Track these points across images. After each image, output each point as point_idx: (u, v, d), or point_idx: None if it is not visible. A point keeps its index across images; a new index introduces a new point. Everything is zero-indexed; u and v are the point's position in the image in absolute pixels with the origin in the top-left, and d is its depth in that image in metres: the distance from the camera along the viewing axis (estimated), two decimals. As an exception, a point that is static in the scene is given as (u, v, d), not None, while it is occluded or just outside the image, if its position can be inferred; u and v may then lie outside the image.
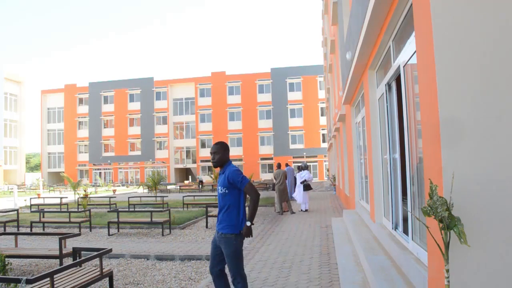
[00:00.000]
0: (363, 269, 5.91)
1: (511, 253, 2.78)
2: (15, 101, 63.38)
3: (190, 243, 9.98)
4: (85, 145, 68.45)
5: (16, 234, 8.74)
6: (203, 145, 63.61)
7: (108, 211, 14.75)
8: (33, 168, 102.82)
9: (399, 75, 5.04)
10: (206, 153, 62.53)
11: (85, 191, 20.79)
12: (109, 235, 11.94)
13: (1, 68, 59.06)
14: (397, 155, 5.66)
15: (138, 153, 66.05)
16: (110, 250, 6.15)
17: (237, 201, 4.51)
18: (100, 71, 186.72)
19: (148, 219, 12.20)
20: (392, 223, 6.18)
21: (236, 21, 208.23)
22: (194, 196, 21.48)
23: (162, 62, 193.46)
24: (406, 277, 4.52)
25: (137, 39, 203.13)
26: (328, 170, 46.51)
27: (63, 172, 59.08)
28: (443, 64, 2.99)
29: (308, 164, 20.83)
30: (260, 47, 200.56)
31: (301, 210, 15.83)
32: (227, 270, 4.64)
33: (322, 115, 59.34)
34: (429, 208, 2.67)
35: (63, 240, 7.26)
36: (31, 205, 19.56)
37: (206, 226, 12.75)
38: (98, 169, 67.36)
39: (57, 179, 66.73)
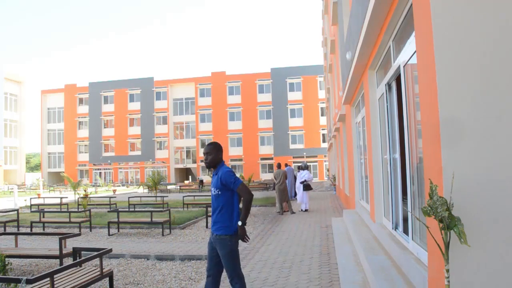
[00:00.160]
0: (363, 269, 5.91)
1: (511, 253, 2.78)
2: (15, 101, 63.39)
3: (190, 243, 9.98)
4: (85, 145, 68.47)
5: (16, 234, 8.74)
6: (203, 145, 63.54)
7: (108, 211, 14.75)
8: (33, 168, 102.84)
9: (399, 75, 5.04)
10: (206, 153, 62.39)
11: (85, 191, 20.78)
12: (109, 235, 11.94)
13: (1, 68, 59.08)
14: (397, 155, 5.66)
15: (138, 153, 66.06)
16: (110, 250, 6.15)
17: (231, 202, 4.48)
18: (100, 71, 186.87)
19: (148, 219, 12.20)
20: (392, 223, 6.18)
21: (236, 21, 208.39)
22: (194, 196, 21.47)
23: (162, 62, 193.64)
24: (406, 277, 4.52)
25: (137, 39, 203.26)
26: (328, 170, 46.53)
27: (63, 172, 59.05)
28: (443, 64, 2.99)
29: (308, 164, 20.80)
30: (260, 47, 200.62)
31: (301, 210, 15.83)
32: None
33: (322, 115, 59.34)
34: (429, 208, 2.67)
35: (63, 240, 7.26)
36: (31, 205, 19.57)
37: (206, 226, 12.76)
38: (98, 169, 67.37)
39: (57, 179, 66.74)
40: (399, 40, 5.17)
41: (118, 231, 12.51)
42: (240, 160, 61.94)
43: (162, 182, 31.47)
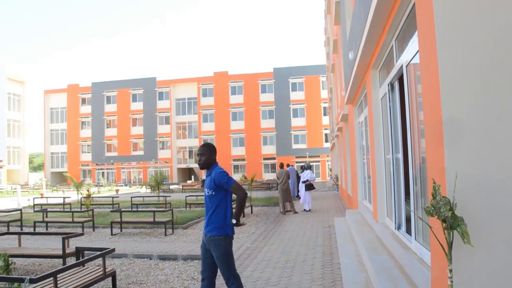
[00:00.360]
0: (366, 269, 5.91)
1: (515, 253, 2.78)
2: (18, 101, 63.49)
3: (192, 243, 9.99)
4: (88, 145, 68.60)
5: (19, 233, 8.77)
6: (205, 145, 63.54)
7: (111, 211, 14.76)
8: (36, 168, 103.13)
9: (402, 75, 5.04)
10: (208, 153, 62.42)
11: (88, 191, 20.79)
12: (112, 235, 11.96)
13: (4, 68, 59.20)
14: (400, 155, 5.65)
15: (141, 153, 66.14)
16: (113, 250, 6.16)
17: (224, 202, 4.49)
18: (103, 71, 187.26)
19: (151, 219, 12.22)
20: (395, 223, 6.17)
21: (238, 21, 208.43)
22: (196, 196, 21.46)
23: (165, 62, 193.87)
24: (409, 277, 4.52)
25: (140, 39, 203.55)
26: (330, 170, 46.52)
27: (66, 172, 59.25)
28: (446, 63, 2.98)
29: (311, 164, 20.79)
30: (262, 47, 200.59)
31: (304, 210, 15.82)
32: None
33: (324, 114, 59.26)
34: (432, 208, 2.66)
35: (66, 240, 7.28)
36: (34, 204, 19.60)
37: (209, 226, 12.75)
38: (101, 169, 67.50)
39: (60, 179, 66.89)
40: (401, 39, 5.16)
41: (121, 231, 12.54)
42: (243, 160, 61.97)
43: (164, 182, 31.57)
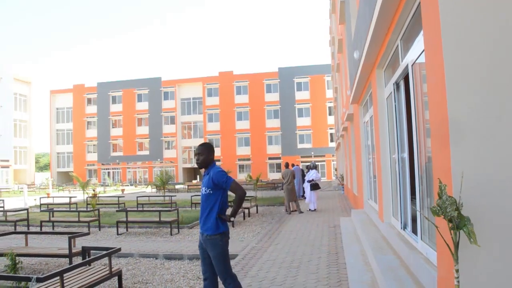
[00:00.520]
0: (372, 268, 5.90)
1: (521, 253, 2.76)
2: (25, 101, 63.79)
3: (198, 243, 9.99)
4: (94, 145, 68.86)
5: (26, 233, 8.84)
6: (211, 145, 63.60)
7: (116, 211, 14.83)
8: (43, 167, 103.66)
9: (407, 74, 5.02)
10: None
11: (94, 190, 20.89)
12: (118, 234, 12.02)
13: (10, 69, 59.55)
14: (406, 155, 5.64)
15: (146, 152, 66.31)
16: (119, 249, 6.19)
17: (221, 201, 4.54)
18: (109, 71, 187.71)
19: (157, 219, 12.26)
20: (401, 222, 6.16)
21: (243, 20, 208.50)
22: (202, 195, 21.46)
23: (170, 62, 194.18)
24: (415, 277, 4.51)
25: (145, 39, 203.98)
26: (336, 170, 46.41)
27: (72, 171, 59.47)
28: (452, 62, 2.97)
29: (316, 163, 20.77)
30: (267, 46, 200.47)
31: (309, 209, 15.80)
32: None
33: (330, 114, 59.13)
34: (438, 207, 2.66)
35: (72, 239, 7.32)
36: (40, 204, 19.71)
37: (214, 226, 12.76)
38: (106, 169, 67.72)
39: (66, 178, 67.17)
40: (407, 39, 5.15)
41: (127, 230, 12.59)
42: (248, 159, 61.98)
43: (170, 182, 31.61)
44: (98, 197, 20.15)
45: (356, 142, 13.85)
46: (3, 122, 56.33)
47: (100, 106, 68.03)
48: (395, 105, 6.24)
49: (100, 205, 19.36)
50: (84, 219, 13.21)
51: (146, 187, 43.96)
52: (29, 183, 55.64)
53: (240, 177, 56.79)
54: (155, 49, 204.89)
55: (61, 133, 71.51)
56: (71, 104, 69.97)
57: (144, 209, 15.64)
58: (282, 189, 16.60)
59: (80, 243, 9.04)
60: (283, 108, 61.42)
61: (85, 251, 6.85)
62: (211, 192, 4.51)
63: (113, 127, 68.07)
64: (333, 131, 54.26)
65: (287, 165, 16.54)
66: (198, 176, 65.96)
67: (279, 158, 60.28)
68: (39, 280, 4.43)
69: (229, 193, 4.66)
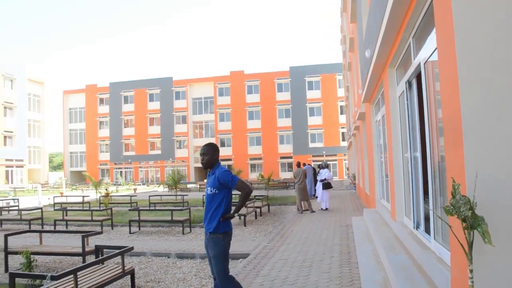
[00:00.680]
0: (384, 268, 5.87)
1: (537, 253, 2.73)
2: (38, 101, 64.51)
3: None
4: (106, 145, 69.39)
5: (40, 231, 8.95)
6: (222, 144, 63.80)
7: (129, 210, 14.93)
8: (56, 167, 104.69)
9: (420, 73, 4.98)
10: (225, 152, 62.73)
11: (106, 189, 21.06)
12: (130, 233, 12.10)
13: (24, 70, 60.26)
14: (418, 154, 5.60)
15: (158, 152, 66.66)
16: (132, 248, 6.23)
17: (226, 201, 4.58)
18: (120, 71, 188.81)
19: (169, 218, 12.33)
20: (414, 222, 6.12)
21: (254, 20, 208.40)
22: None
23: (181, 62, 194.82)
24: (428, 276, 4.48)
25: (156, 39, 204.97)
26: (348, 169, 46.22)
27: (85, 171, 60.05)
28: (465, 60, 2.94)
29: (328, 162, 20.73)
30: (278, 46, 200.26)
31: (321, 209, 15.76)
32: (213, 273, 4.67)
33: (341, 113, 58.90)
34: (451, 207, 2.63)
35: (85, 238, 7.40)
36: (54, 203, 19.93)
37: (226, 225, 12.76)
38: (119, 168, 68.21)
39: (79, 178, 67.79)
40: (419, 37, 5.11)
41: (139, 229, 12.67)
42: (260, 159, 61.99)
43: (182, 181, 31.70)
44: (111, 196, 20.29)
45: (368, 141, 13.79)
46: (17, 122, 57.11)
47: (112, 106, 68.55)
48: (408, 104, 6.20)
49: (113, 204, 19.52)
50: (97, 218, 13.33)
51: (158, 187, 44.26)
52: (43, 183, 56.28)
53: (252, 176, 56.85)
54: (166, 49, 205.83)
55: (74, 133, 72.20)
56: (83, 104, 70.60)
57: (156, 208, 15.72)
58: (294, 188, 16.56)
59: (93, 242, 9.13)
60: (294, 107, 61.32)
61: (98, 250, 6.91)
62: (216, 191, 4.55)
63: (125, 127, 68.53)
64: (344, 130, 54.06)
65: (298, 164, 16.51)
66: (209, 176, 66.03)
67: (291, 157, 60.19)
68: (53, 278, 4.48)
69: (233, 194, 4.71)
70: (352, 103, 24.33)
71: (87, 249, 7.41)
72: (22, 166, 58.45)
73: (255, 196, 16.44)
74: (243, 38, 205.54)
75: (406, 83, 6.08)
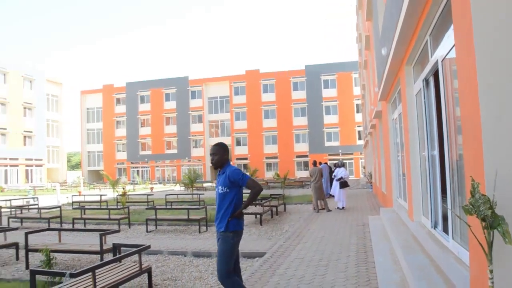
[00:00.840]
0: (401, 268, 5.82)
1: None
2: (56, 102, 65.45)
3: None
4: (123, 144, 70.07)
5: (59, 230, 9.09)
6: (238, 143, 63.98)
7: (146, 209, 15.04)
8: (74, 166, 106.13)
9: (437, 70, 4.92)
10: (241, 151, 62.89)
11: (123, 188, 21.26)
12: (147, 232, 12.20)
13: (43, 71, 61.26)
14: (436, 152, 5.54)
15: (175, 151, 67.07)
16: (149, 246, 6.28)
17: (237, 199, 4.65)
18: (136, 70, 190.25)
19: (185, 217, 12.40)
20: (431, 221, 6.06)
21: (269, 18, 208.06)
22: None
23: (197, 61, 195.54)
24: (446, 276, 4.43)
25: (172, 38, 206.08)
26: (364, 168, 45.94)
27: (102, 170, 60.71)
28: (484, 58, 2.89)
29: (344, 161, 20.64)
30: (294, 44, 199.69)
31: (338, 208, 15.68)
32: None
33: (357, 111, 58.52)
34: (470, 206, 2.60)
35: (103, 237, 7.47)
36: (72, 202, 20.20)
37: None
38: (135, 167, 68.80)
39: (96, 177, 68.53)
40: (436, 34, 5.05)
41: (156, 228, 12.76)
42: (275, 157, 61.96)
43: (198, 180, 31.85)
44: (128, 195, 20.49)
45: (384, 140, 13.68)
46: (36, 123, 58.14)
47: (129, 105, 69.19)
48: (425, 102, 6.14)
49: (130, 203, 19.71)
50: (115, 216, 13.47)
51: (175, 185, 44.52)
52: (61, 181, 57.09)
53: (268, 175, 56.82)
54: (182, 49, 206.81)
55: (92, 133, 73.07)
56: (100, 104, 71.40)
57: (173, 207, 15.82)
58: (310, 187, 16.52)
59: (110, 240, 9.24)
60: (310, 106, 61.09)
61: (115, 248, 6.98)
62: (227, 190, 4.62)
63: (141, 126, 69.11)
64: (361, 128, 53.72)
65: (314, 163, 16.45)
66: (225, 175, 66.17)
67: (307, 156, 59.98)
68: (72, 275, 4.55)
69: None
70: (368, 101, 24.16)
71: (104, 247, 7.49)
72: (41, 166, 59.45)
73: (271, 195, 16.44)
74: (258, 37, 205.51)
75: (423, 81, 6.01)
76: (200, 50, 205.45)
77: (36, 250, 7.93)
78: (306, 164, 59.45)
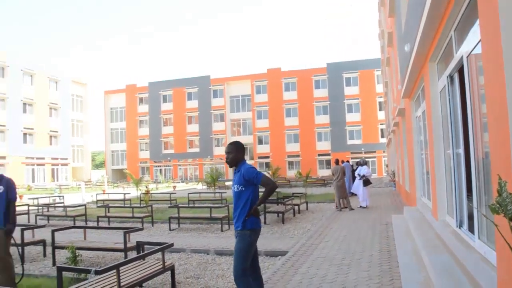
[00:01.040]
0: (426, 267, 5.74)
1: None
2: (81, 102, 66.61)
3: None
4: (146, 143, 70.91)
5: (84, 227, 9.26)
6: (260, 142, 64.06)
7: (169, 207, 15.18)
8: (98, 165, 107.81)
9: (462, 66, 4.83)
10: (263, 149, 62.93)
11: (146, 187, 21.49)
12: (170, 230, 12.31)
13: (68, 72, 62.48)
14: (461, 150, 5.43)
15: (197, 150, 67.52)
16: (172, 244, 6.34)
17: (253, 197, 4.65)
18: (158, 70, 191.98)
19: (208, 215, 12.45)
20: (456, 220, 5.95)
21: (290, 16, 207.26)
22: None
23: (218, 60, 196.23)
24: (471, 276, 4.33)
25: (194, 37, 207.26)
26: (387, 166, 45.42)
27: (126, 169, 61.60)
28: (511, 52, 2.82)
29: (366, 160, 20.45)
30: (315, 42, 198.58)
31: (361, 206, 15.56)
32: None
33: (380, 109, 57.85)
34: (497, 205, 2.53)
35: (127, 234, 7.58)
36: (97, 200, 20.53)
37: (265, 222, 12.71)
38: (158, 166, 69.53)
39: (120, 175, 69.50)
40: (461, 29, 4.95)
41: (179, 226, 12.86)
42: (297, 156, 61.80)
43: (220, 179, 31.99)
44: (151, 193, 20.70)
45: (408, 138, 13.50)
46: (62, 122, 59.35)
47: (151, 105, 69.96)
48: (449, 99, 6.03)
49: (153, 201, 19.88)
50: (138, 215, 13.62)
51: (197, 184, 44.85)
52: (86, 180, 58.04)
53: (290, 173, 56.70)
54: (203, 48, 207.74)
55: (115, 132, 74.16)
56: (124, 104, 72.43)
57: (195, 205, 15.92)
58: (332, 185, 16.43)
59: (134, 238, 9.33)
60: (332, 104, 60.72)
61: (139, 246, 7.06)
62: (243, 189, 4.64)
63: (164, 126, 69.83)
64: (383, 126, 53.11)
65: (337, 162, 16.35)
66: (247, 173, 66.29)
67: (329, 154, 59.67)
68: (97, 272, 4.62)
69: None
70: (391, 99, 23.87)
71: (128, 245, 7.58)
72: (66, 165, 60.67)
73: (293, 193, 16.38)
74: (279, 36, 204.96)
75: (447, 77, 5.91)
76: (221, 49, 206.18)
77: (62, 247, 8.09)
78: (328, 163, 59.13)
